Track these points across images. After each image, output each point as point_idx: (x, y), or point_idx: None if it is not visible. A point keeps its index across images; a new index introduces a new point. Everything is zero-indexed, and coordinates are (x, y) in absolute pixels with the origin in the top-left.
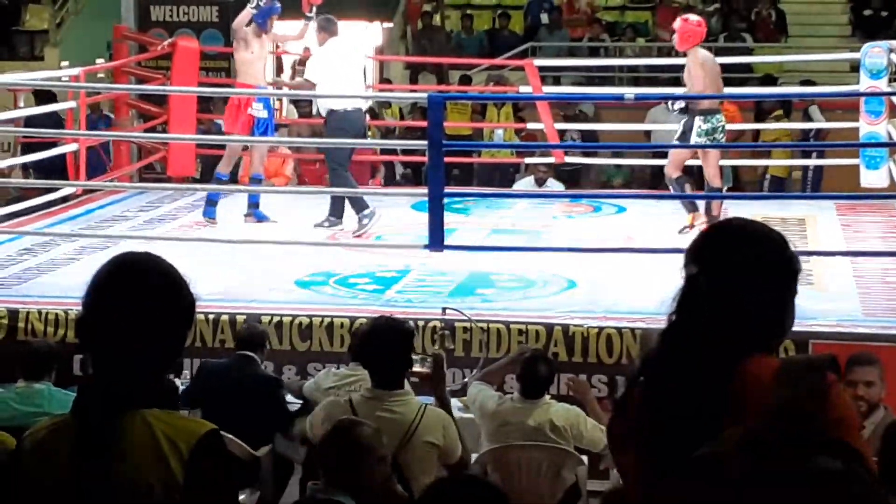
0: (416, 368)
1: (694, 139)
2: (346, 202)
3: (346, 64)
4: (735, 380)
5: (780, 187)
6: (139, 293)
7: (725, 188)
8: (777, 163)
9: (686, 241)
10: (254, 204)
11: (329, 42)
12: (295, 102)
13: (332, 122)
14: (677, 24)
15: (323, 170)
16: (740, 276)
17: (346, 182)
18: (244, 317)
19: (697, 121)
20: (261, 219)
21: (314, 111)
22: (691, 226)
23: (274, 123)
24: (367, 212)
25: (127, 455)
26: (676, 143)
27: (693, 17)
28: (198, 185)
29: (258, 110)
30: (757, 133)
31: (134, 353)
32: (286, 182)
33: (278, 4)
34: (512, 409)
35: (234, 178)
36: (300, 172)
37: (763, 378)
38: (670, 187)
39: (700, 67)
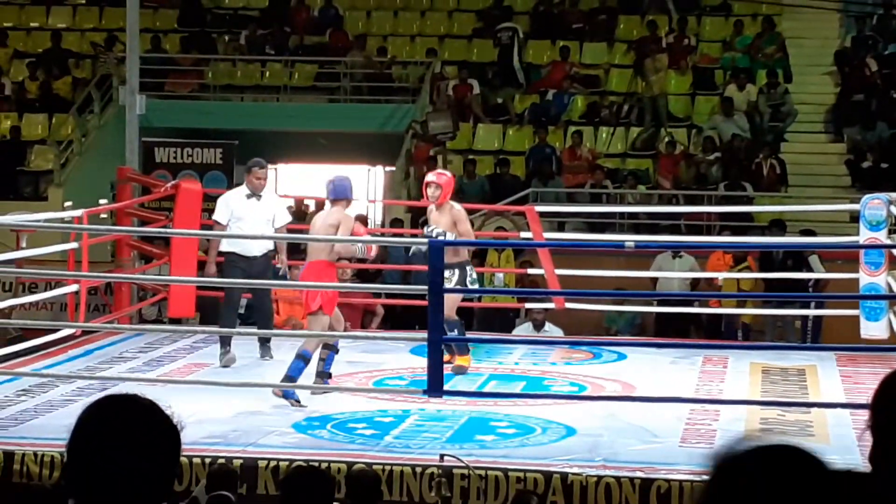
0: None
1: (470, 286)
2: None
3: (249, 207)
4: None
5: (748, 335)
6: (121, 434)
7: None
8: (749, 311)
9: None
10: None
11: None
12: None
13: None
14: (438, 177)
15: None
16: None
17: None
18: (241, 461)
19: (469, 270)
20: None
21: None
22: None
23: None
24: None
25: None
26: (457, 288)
27: (448, 172)
28: (198, 328)
29: None
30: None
31: (120, 495)
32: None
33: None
34: None
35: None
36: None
37: None
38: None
39: (465, 220)
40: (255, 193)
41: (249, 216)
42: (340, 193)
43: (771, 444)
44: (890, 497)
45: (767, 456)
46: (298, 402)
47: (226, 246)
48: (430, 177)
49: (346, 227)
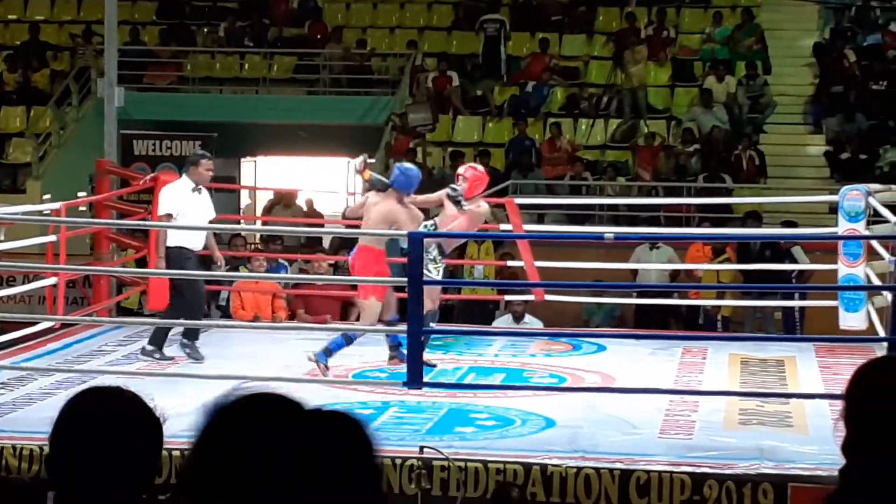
0: None
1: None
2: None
3: (193, 200)
4: None
5: (728, 327)
6: (104, 426)
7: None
8: (729, 303)
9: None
10: (396, 345)
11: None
12: None
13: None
14: (465, 170)
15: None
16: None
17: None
18: None
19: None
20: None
21: None
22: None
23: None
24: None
25: None
26: (438, 280)
27: (481, 168)
28: (178, 321)
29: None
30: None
31: (102, 487)
32: (286, 316)
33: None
34: None
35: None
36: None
37: None
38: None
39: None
40: (198, 186)
41: (193, 210)
42: (400, 185)
43: (253, 392)
44: (863, 486)
45: (250, 402)
46: (327, 367)
47: (177, 240)
48: (459, 170)
49: (401, 221)
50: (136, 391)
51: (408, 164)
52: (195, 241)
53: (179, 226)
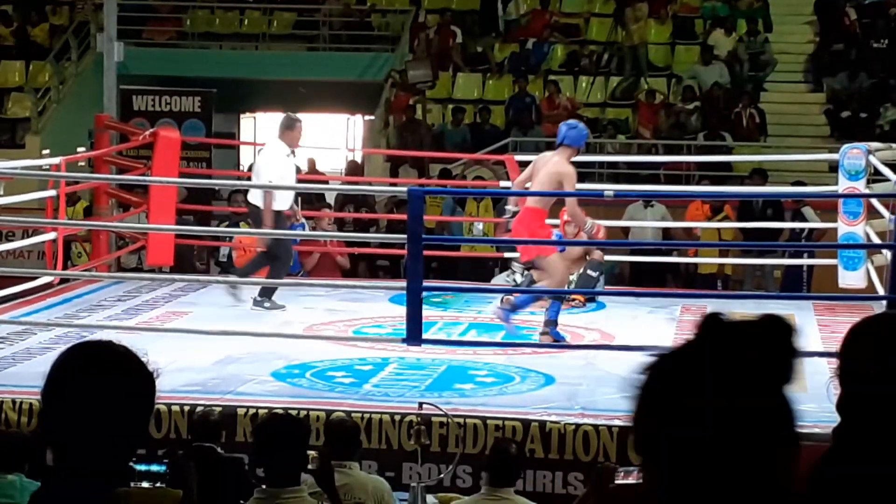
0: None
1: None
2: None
3: (288, 164)
4: None
5: (727, 285)
6: (95, 381)
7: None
8: (727, 261)
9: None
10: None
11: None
12: None
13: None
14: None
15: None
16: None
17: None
18: (220, 408)
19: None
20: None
21: None
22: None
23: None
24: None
25: None
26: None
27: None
28: (176, 276)
29: None
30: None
31: (94, 441)
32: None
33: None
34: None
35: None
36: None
37: None
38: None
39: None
40: (292, 150)
41: (289, 174)
42: (572, 140)
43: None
44: (857, 445)
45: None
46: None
47: (277, 205)
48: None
49: (570, 184)
50: (129, 346)
51: (571, 120)
52: (285, 204)
53: (175, 180)
